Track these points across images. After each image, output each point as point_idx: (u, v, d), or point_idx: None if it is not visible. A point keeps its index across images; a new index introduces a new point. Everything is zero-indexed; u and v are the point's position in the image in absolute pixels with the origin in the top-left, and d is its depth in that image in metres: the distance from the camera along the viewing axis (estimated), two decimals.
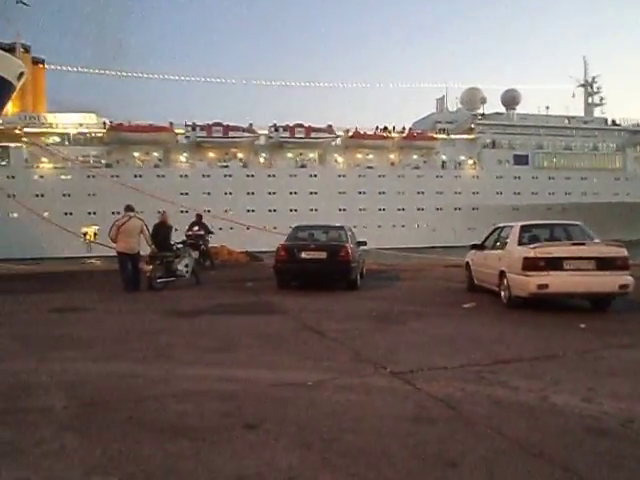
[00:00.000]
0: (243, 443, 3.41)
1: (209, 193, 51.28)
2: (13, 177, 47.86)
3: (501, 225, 10.38)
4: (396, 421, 3.79)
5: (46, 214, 40.67)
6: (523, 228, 9.22)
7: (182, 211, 47.32)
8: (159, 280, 11.32)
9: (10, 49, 51.10)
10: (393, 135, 57.72)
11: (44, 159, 50.08)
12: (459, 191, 56.34)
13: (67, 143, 51.66)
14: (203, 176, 52.43)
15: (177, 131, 53.61)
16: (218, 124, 53.47)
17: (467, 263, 11.16)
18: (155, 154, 53.71)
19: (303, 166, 55.73)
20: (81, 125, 52.33)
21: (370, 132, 56.95)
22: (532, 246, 8.39)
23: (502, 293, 8.89)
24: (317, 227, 13.71)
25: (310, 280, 11.47)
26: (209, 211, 48.64)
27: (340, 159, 57.20)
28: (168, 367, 5.29)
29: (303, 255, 11.09)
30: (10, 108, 50.72)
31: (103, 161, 51.70)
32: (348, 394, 4.39)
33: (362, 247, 13.02)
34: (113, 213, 46.04)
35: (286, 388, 4.57)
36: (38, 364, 5.47)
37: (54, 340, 6.68)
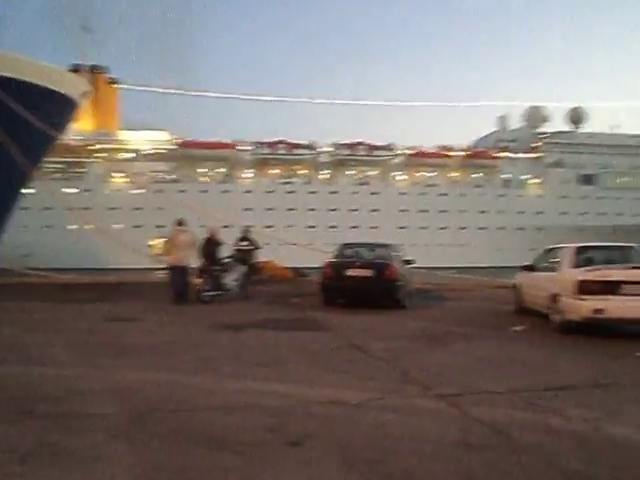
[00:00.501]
0: (287, 460, 3.42)
1: (272, 209, 52.51)
2: (89, 191, 50.64)
3: (553, 246, 10.08)
4: (441, 445, 3.72)
5: (116, 226, 42.67)
6: (577, 250, 8.92)
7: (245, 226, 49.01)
8: (207, 293, 11.55)
9: (90, 71, 55.06)
10: (454, 153, 57.69)
11: (118, 174, 52.49)
12: (522, 210, 55.46)
13: (137, 159, 54.18)
14: (267, 192, 53.71)
15: (242, 148, 55.23)
16: (282, 141, 54.93)
17: (515, 285, 10.86)
18: (220, 170, 55.52)
19: (364, 183, 56.26)
20: (152, 142, 54.83)
21: (432, 150, 57.26)
22: (588, 268, 8.10)
23: (554, 317, 8.60)
24: (364, 245, 13.69)
25: (356, 298, 11.43)
26: (272, 227, 50.44)
27: (402, 177, 57.42)
28: (215, 379, 5.38)
29: (349, 272, 11.08)
30: (86, 125, 54.39)
31: (172, 176, 53.84)
32: (393, 415, 4.34)
33: (409, 265, 12.89)
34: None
35: (331, 406, 4.56)
36: (91, 371, 5.67)
37: (107, 348, 6.91)
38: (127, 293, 13.66)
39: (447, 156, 57.24)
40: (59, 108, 22.71)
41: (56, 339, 7.43)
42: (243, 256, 15.29)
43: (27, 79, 20.40)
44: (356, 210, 53.83)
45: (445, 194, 55.80)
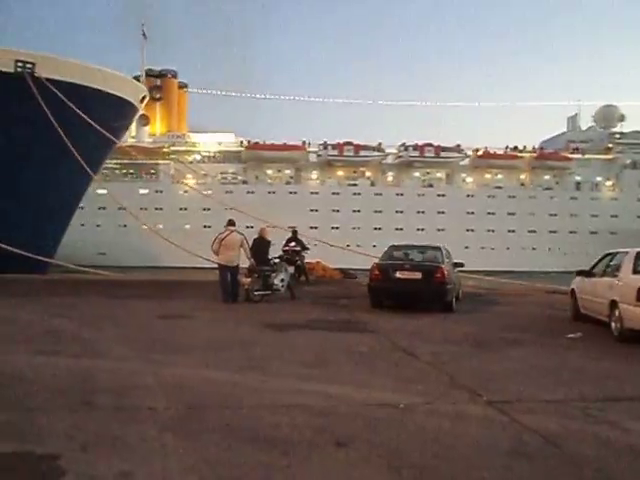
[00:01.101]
0: (333, 460, 3.43)
1: (338, 210, 53.14)
2: (161, 192, 52.81)
3: (613, 251, 9.66)
4: (490, 453, 3.63)
5: (160, 226, 44.03)
6: (638, 255, 8.52)
7: (311, 227, 50.34)
8: (256, 293, 11.71)
9: (160, 75, 58.42)
10: (524, 155, 56.54)
11: (188, 175, 54.41)
12: (595, 214, 53.70)
13: (206, 161, 56.12)
14: (333, 194, 54.32)
15: (309, 149, 56.11)
16: (349, 143, 55.24)
17: (572, 290, 10.48)
18: (287, 171, 56.65)
19: (430, 185, 55.99)
20: (220, 144, 56.63)
21: (499, 151, 56.25)
22: None
23: (612, 324, 8.23)
24: (413, 247, 13.53)
25: (404, 300, 11.32)
26: (337, 228, 51.01)
27: (469, 179, 56.86)
28: (263, 378, 5.45)
29: (397, 275, 10.98)
30: (159, 128, 57.80)
31: (240, 177, 55.49)
32: (441, 420, 4.28)
33: (458, 269, 12.66)
34: (247, 227, 50.93)
35: (377, 408, 4.54)
36: (145, 366, 5.86)
37: (159, 344, 7.12)
38: (176, 291, 14.03)
39: (516, 157, 56.06)
40: (118, 112, 23.59)
41: (112, 334, 7.73)
42: (292, 257, 15.45)
43: (87, 84, 21.31)
44: (423, 212, 53.56)
45: (514, 196, 54.65)
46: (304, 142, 55.62)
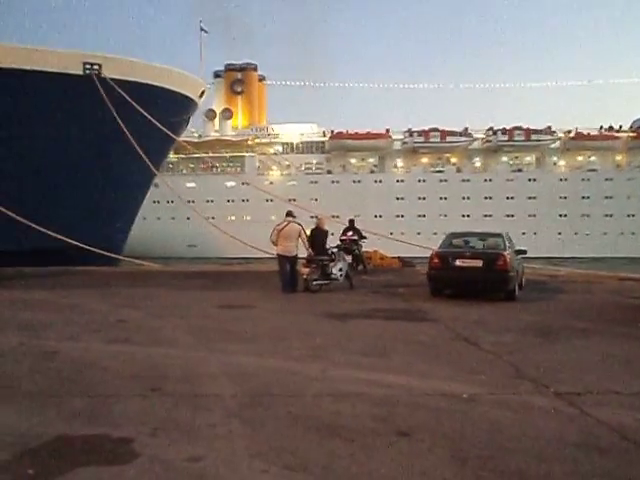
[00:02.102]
0: (396, 450, 3.43)
1: (424, 198, 52.97)
2: (247, 184, 54.59)
3: None
4: (559, 445, 3.53)
5: (248, 217, 44.51)
6: None
7: (397, 215, 50.49)
8: (315, 282, 11.80)
9: (241, 69, 60.36)
10: (621, 134, 54.02)
11: (274, 167, 55.84)
12: None
13: (289, 152, 57.26)
14: (419, 181, 54.07)
15: (393, 137, 56.04)
16: (435, 129, 54.74)
17: None
18: (370, 160, 56.92)
19: (519, 170, 54.72)
20: (302, 135, 57.60)
21: (592, 132, 53.88)
22: None
23: None
24: (473, 234, 13.22)
25: (464, 289, 11.09)
26: (424, 216, 50.80)
27: (561, 162, 55.20)
28: (323, 367, 5.50)
29: (458, 263, 10.77)
30: (241, 121, 59.52)
31: (324, 168, 56.28)
32: (506, 411, 4.19)
33: (521, 255, 12.27)
34: (333, 217, 52.02)
35: (440, 398, 4.50)
36: (209, 354, 6.05)
37: (222, 333, 7.33)
38: (237, 281, 14.33)
39: (612, 137, 53.41)
40: (179, 108, 24.28)
41: (177, 324, 8.02)
42: (349, 246, 15.45)
43: (149, 82, 22.04)
44: (512, 198, 52.37)
45: (610, 179, 52.36)
46: (388, 130, 55.45)
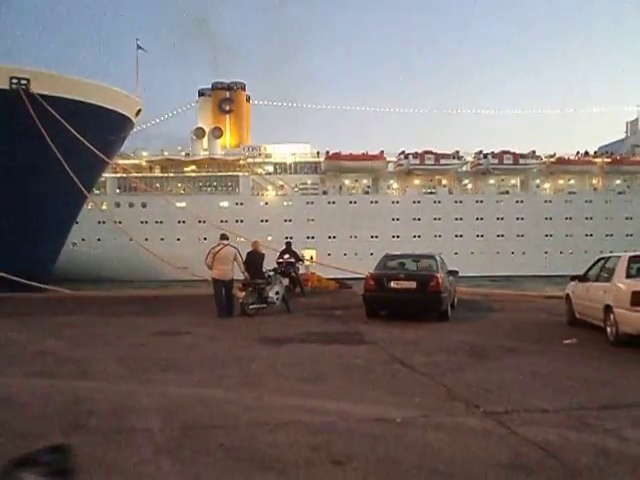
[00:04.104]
0: None
1: (419, 219, 53.83)
2: (241, 204, 52.72)
3: (606, 256, 9.69)
4: (490, 467, 3.60)
5: (242, 239, 43.74)
6: (631, 259, 8.55)
7: (393, 236, 50.60)
8: (251, 306, 11.66)
9: (229, 88, 59.87)
10: (597, 160, 57.82)
11: (269, 187, 54.86)
12: None
13: (281, 172, 56.53)
14: (413, 202, 54.91)
15: (389, 159, 56.78)
16: (429, 152, 56.04)
17: (567, 295, 10.50)
18: (364, 181, 57.28)
19: (507, 192, 56.96)
20: (294, 155, 57.19)
21: (573, 157, 57.60)
22: None
23: (608, 329, 8.24)
24: (407, 256, 13.54)
25: (399, 310, 11.30)
26: (419, 236, 52.01)
27: (546, 185, 58.03)
28: (259, 395, 5.39)
29: (392, 284, 10.97)
30: (229, 140, 58.61)
31: (319, 189, 55.94)
32: (439, 434, 4.24)
33: (452, 277, 12.65)
34: (329, 237, 51.81)
35: (374, 424, 4.50)
36: (139, 386, 5.79)
37: (154, 363, 7.05)
38: (176, 306, 13.92)
39: (590, 162, 57.13)
40: (114, 126, 23.61)
41: (106, 353, 7.65)
42: (286, 269, 15.41)
43: (81, 99, 21.33)
44: (501, 219, 54.40)
45: (590, 201, 55.65)
46: (382, 152, 56.32)
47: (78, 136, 20.23)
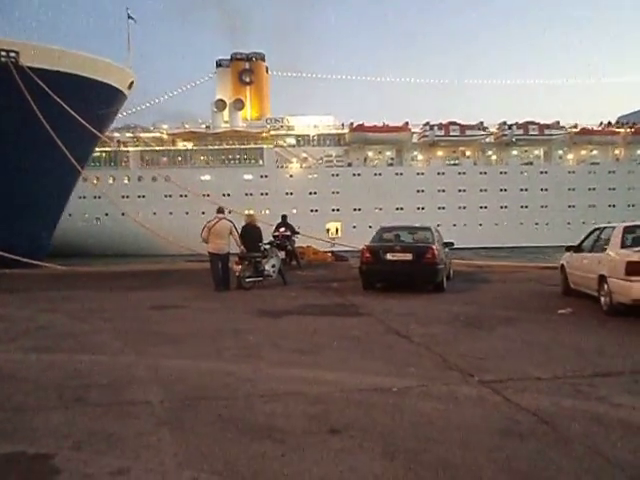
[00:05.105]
0: (328, 448, 3.45)
1: (444, 190, 53.55)
2: (266, 176, 52.27)
3: (601, 226, 9.72)
4: (484, 434, 3.67)
5: (267, 211, 42.35)
6: (626, 229, 8.58)
7: (418, 208, 50.25)
8: (248, 280, 11.70)
9: (248, 59, 58.71)
10: (620, 130, 57.53)
11: (293, 160, 54.46)
12: None
13: (304, 144, 55.99)
14: (438, 174, 54.55)
15: (414, 130, 56.08)
16: (454, 123, 55.45)
17: (562, 266, 10.57)
18: (388, 153, 56.81)
19: (530, 163, 56.64)
20: (317, 127, 56.51)
21: (597, 127, 57.03)
22: (637, 249, 7.79)
23: (602, 299, 8.33)
24: (403, 228, 13.54)
25: (395, 282, 11.36)
26: (444, 208, 51.95)
27: (569, 155, 57.67)
28: (256, 367, 5.45)
29: (388, 257, 11.00)
30: (250, 112, 57.73)
31: (344, 161, 55.43)
32: (434, 402, 4.31)
33: (447, 249, 12.70)
34: (354, 210, 51.70)
35: (371, 393, 4.56)
36: (138, 359, 5.85)
37: (152, 336, 7.11)
38: (173, 280, 13.96)
39: (614, 133, 56.71)
40: (105, 99, 23.22)
41: (104, 327, 7.70)
42: (282, 242, 15.43)
43: (72, 71, 20.93)
44: (526, 190, 54.20)
45: (613, 171, 55.50)
46: (407, 123, 55.59)
47: (69, 110, 19.93)
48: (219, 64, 60.25)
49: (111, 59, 23.99)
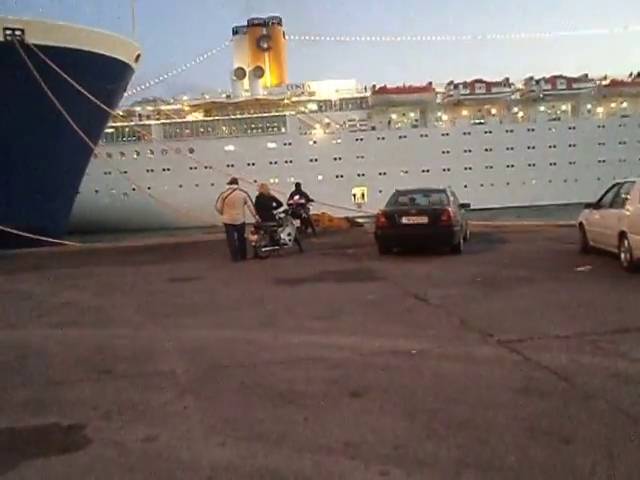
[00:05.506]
0: (349, 411, 3.52)
1: (470, 150, 52.89)
2: (290, 144, 52.32)
3: (620, 181, 9.54)
4: (504, 393, 3.70)
5: (292, 179, 42.75)
6: None
7: (444, 169, 50.80)
8: (264, 249, 11.76)
9: (265, 24, 57.63)
10: None
11: (316, 125, 53.96)
12: None
13: (326, 110, 55.24)
14: (464, 134, 53.79)
15: (438, 90, 55.10)
16: (479, 80, 54.28)
17: (580, 223, 10.43)
18: (411, 115, 55.93)
19: (557, 119, 55.37)
20: (338, 92, 55.60)
21: (627, 79, 55.28)
22: None
23: (622, 255, 8.23)
24: (418, 191, 13.44)
25: (411, 245, 11.34)
26: (471, 168, 51.25)
27: (599, 109, 56.09)
28: (276, 334, 5.54)
29: (404, 220, 10.95)
30: (270, 79, 56.93)
31: (367, 125, 54.71)
32: (454, 363, 4.35)
33: (463, 210, 12.59)
34: (380, 174, 51.30)
35: (391, 356, 4.61)
36: (160, 331, 5.96)
37: (172, 308, 7.22)
38: (189, 253, 14.09)
39: None
40: (113, 73, 23.06)
41: (126, 302, 7.84)
42: (297, 210, 15.42)
43: (78, 47, 20.76)
44: (554, 147, 53.22)
45: None
46: (430, 83, 54.66)
47: (77, 86, 19.86)
48: (235, 31, 59.21)
49: (117, 33, 23.75)
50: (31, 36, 19.72)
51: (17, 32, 19.54)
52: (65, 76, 19.49)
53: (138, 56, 25.27)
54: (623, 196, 8.76)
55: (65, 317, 7.00)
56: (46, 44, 19.74)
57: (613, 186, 9.63)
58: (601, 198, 9.80)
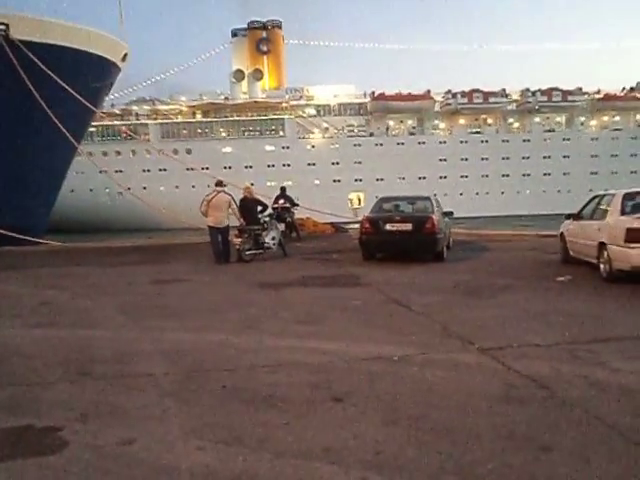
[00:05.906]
0: (331, 416, 3.51)
1: (466, 159, 53.38)
2: (288, 147, 51.95)
3: (601, 193, 9.69)
4: (484, 400, 3.72)
5: (289, 182, 41.36)
6: (626, 196, 8.56)
7: (441, 177, 50.97)
8: (248, 252, 11.72)
9: (266, 27, 57.23)
10: None
11: (314, 130, 53.89)
12: None
13: (324, 114, 55.34)
14: (460, 142, 54.26)
15: (436, 98, 55.52)
16: (477, 90, 54.97)
17: (561, 234, 10.57)
18: (409, 122, 56.30)
19: (552, 130, 56.23)
20: (336, 97, 55.63)
21: (617, 93, 56.56)
22: (636, 216, 7.78)
23: (601, 266, 8.36)
24: (402, 198, 13.51)
25: (395, 252, 11.38)
26: (467, 176, 51.86)
27: (592, 122, 57.09)
28: (259, 338, 5.51)
29: (388, 227, 11.00)
30: (268, 82, 56.66)
31: (366, 130, 54.91)
32: (435, 370, 4.37)
33: (447, 218, 12.68)
34: (377, 180, 51.33)
35: (373, 362, 4.62)
36: (141, 333, 5.90)
37: (155, 310, 7.15)
38: (173, 254, 13.97)
39: (636, 98, 56.07)
40: (99, 72, 22.83)
41: (106, 303, 7.74)
42: (281, 214, 15.40)
43: (64, 44, 20.53)
44: (548, 157, 54.03)
45: (635, 137, 55.15)
46: (429, 91, 55.05)
47: (62, 84, 19.62)
48: (234, 34, 59.12)
49: (105, 32, 23.52)
50: (16, 32, 19.45)
51: (1, 27, 19.27)
52: (49, 73, 19.26)
53: (125, 55, 25.06)
54: (603, 208, 8.91)
55: (43, 317, 6.89)
56: (31, 40, 19.50)
57: (593, 198, 9.78)
58: (582, 209, 9.95)
